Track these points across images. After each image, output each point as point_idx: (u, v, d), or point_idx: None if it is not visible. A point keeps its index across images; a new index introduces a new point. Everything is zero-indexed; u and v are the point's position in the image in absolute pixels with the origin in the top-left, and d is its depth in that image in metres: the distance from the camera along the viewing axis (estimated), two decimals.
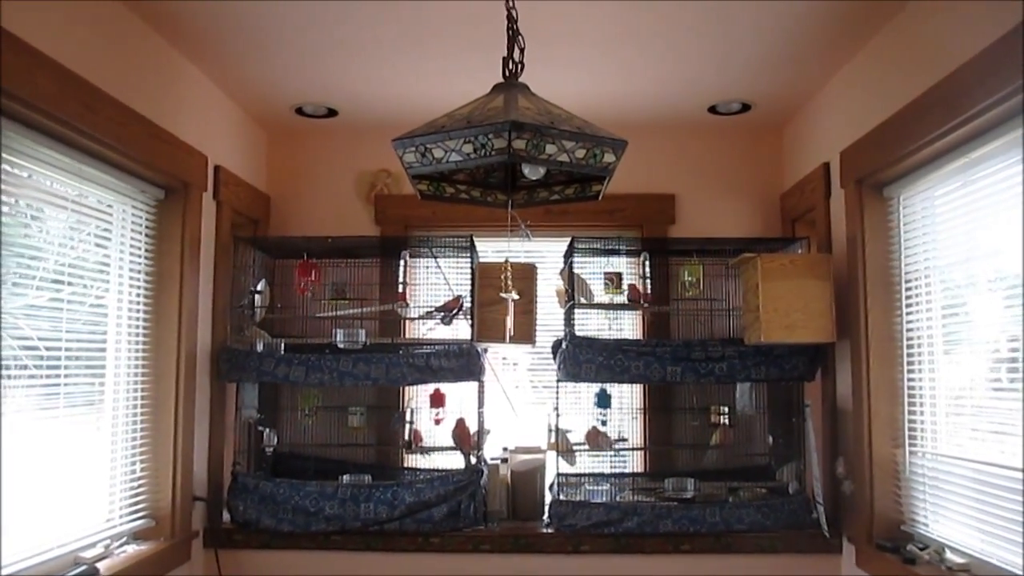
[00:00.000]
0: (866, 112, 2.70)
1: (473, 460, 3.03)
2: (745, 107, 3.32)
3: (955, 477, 2.34)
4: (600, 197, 2.28)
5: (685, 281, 3.32)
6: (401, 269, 3.15)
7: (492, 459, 3.11)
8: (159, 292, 2.75)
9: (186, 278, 2.78)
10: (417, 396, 3.36)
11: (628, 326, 3.61)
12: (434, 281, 3.37)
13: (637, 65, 2.91)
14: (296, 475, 3.16)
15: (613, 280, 3.29)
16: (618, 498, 3.05)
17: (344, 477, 3.06)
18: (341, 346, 3.07)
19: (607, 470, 3.43)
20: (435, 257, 3.29)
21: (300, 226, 3.57)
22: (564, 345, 3.00)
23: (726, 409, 3.30)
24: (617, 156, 1.97)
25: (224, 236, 3.10)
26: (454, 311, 3.16)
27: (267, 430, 3.21)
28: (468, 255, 3.12)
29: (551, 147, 1.87)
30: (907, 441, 2.57)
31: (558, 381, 3.07)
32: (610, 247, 3.32)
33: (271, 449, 3.22)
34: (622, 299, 3.30)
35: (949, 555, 2.36)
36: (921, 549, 2.42)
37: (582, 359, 2.95)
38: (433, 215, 3.58)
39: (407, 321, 3.39)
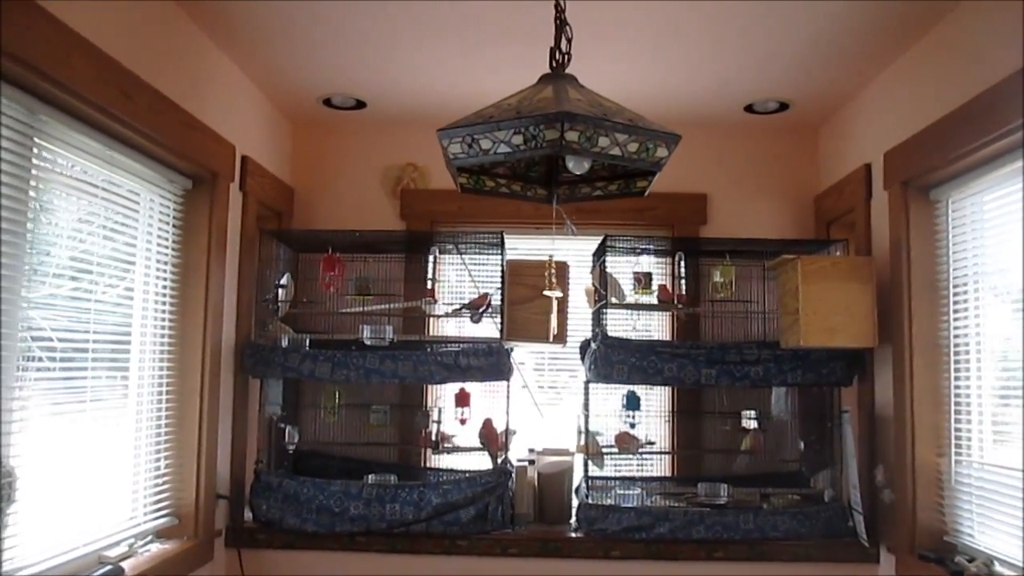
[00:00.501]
0: (912, 113, 2.63)
1: (500, 461, 2.97)
2: (782, 106, 3.25)
3: (1004, 487, 2.26)
4: (646, 193, 2.22)
5: (717, 282, 3.25)
6: (431, 265, 3.08)
7: (518, 461, 3.04)
8: (185, 285, 2.69)
9: (212, 270, 2.72)
10: (442, 396, 3.30)
11: (655, 327, 3.55)
12: (460, 278, 3.31)
13: (677, 61, 2.84)
14: (318, 474, 3.10)
15: (642, 280, 3.22)
16: (648, 503, 2.97)
17: (369, 477, 3.00)
18: (368, 343, 3.00)
19: (633, 474, 3.37)
20: (461, 253, 3.22)
21: (324, 220, 3.51)
22: (595, 346, 2.93)
23: (754, 413, 3.24)
24: (669, 151, 1.91)
25: (249, 228, 3.04)
26: (482, 309, 3.10)
27: (289, 427, 3.14)
28: (497, 252, 3.06)
29: (604, 140, 1.81)
30: (952, 449, 2.49)
31: (588, 382, 3.01)
32: (644, 246, 3.25)
33: (293, 447, 3.16)
34: (651, 299, 3.24)
35: (998, 567, 2.29)
36: (968, 561, 2.35)
37: (614, 360, 2.88)
38: (460, 211, 3.51)
39: (431, 318, 3.32)
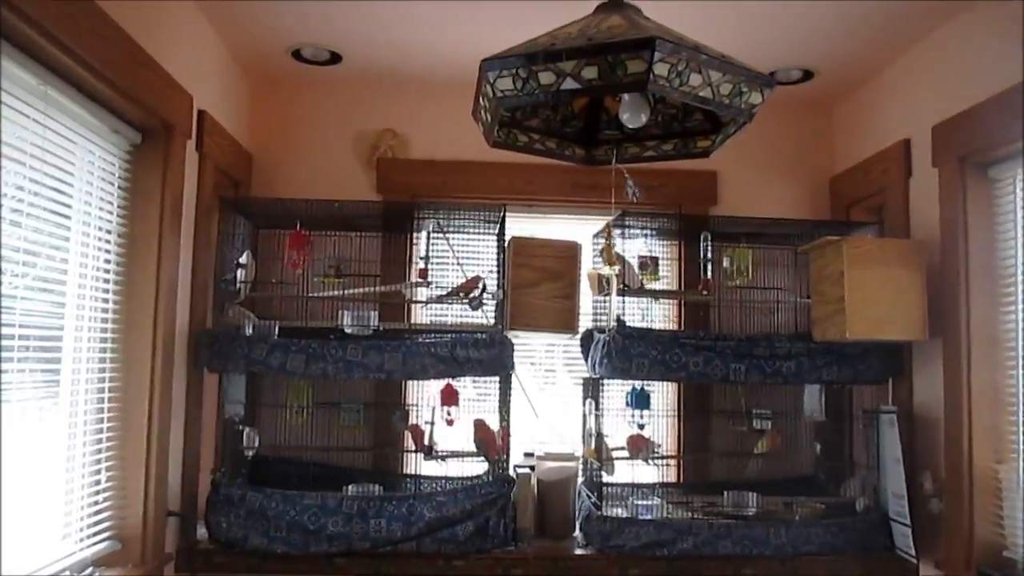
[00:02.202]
0: (968, 82, 2.37)
1: (500, 468, 2.59)
2: (806, 75, 2.95)
3: None
4: (711, 153, 1.88)
5: (732, 268, 2.93)
6: (423, 243, 2.67)
7: (518, 467, 2.67)
8: (132, 261, 2.22)
9: (166, 245, 2.26)
10: (426, 393, 2.90)
11: (659, 317, 3.22)
12: (444, 258, 2.90)
13: (696, 23, 2.50)
14: (280, 483, 2.67)
15: (649, 265, 2.89)
16: (667, 514, 2.64)
17: (349, 487, 2.59)
18: (348, 331, 2.59)
19: (633, 481, 3.03)
20: (444, 231, 2.81)
21: (286, 192, 3.05)
22: (609, 337, 2.57)
23: (768, 412, 2.95)
24: (763, 97, 1.57)
25: (206, 196, 2.58)
26: (473, 294, 2.71)
27: (247, 429, 2.69)
28: (496, 229, 2.67)
29: (695, 78, 1.45)
30: (1022, 455, 2.23)
31: (600, 378, 2.65)
32: (650, 227, 2.92)
33: (251, 452, 2.71)
34: (658, 285, 2.92)
35: None
36: None
37: (633, 353, 2.54)
38: (444, 184, 3.11)
39: (412, 305, 2.92)
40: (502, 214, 2.67)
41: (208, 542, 2.45)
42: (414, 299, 2.87)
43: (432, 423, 2.59)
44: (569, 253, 2.64)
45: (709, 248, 2.69)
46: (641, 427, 2.80)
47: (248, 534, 2.41)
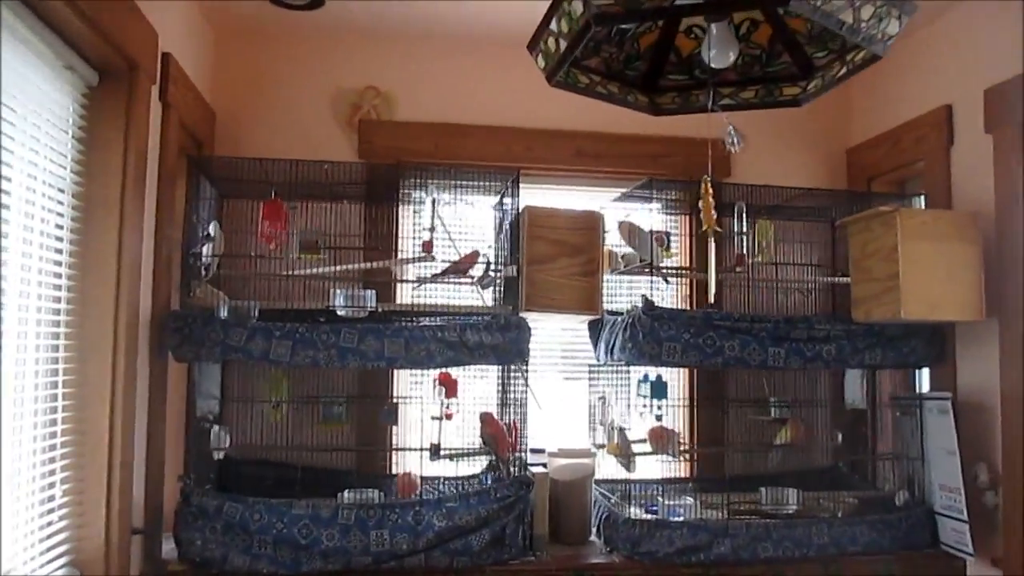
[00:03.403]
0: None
1: (514, 467, 2.30)
2: None
3: None
4: (802, 103, 1.62)
5: (753, 244, 2.69)
6: (428, 211, 2.33)
7: (531, 466, 2.37)
8: (90, 227, 1.84)
9: (129, 210, 1.88)
10: (419, 383, 2.58)
11: (666, 299, 2.95)
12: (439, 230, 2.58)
13: None
14: (252, 489, 2.32)
15: (662, 241, 2.62)
16: (700, 515, 2.38)
17: (345, 494, 2.25)
18: (341, 313, 2.24)
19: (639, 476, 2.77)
20: (433, 199, 2.45)
21: (255, 155, 2.66)
22: (634, 318, 2.30)
23: (780, 400, 2.73)
24: (901, 26, 1.30)
25: (171, 156, 2.20)
26: (473, 271, 2.40)
27: (216, 428, 2.33)
28: (510, 197, 2.36)
29: None
30: None
31: (629, 363, 2.38)
32: (656, 198, 2.65)
33: (221, 454, 2.35)
34: (670, 263, 2.67)
35: None
36: None
37: (663, 336, 2.27)
38: (435, 150, 2.78)
39: (403, 286, 2.59)
40: (514, 179, 2.35)
41: (179, 563, 2.08)
42: (404, 278, 2.54)
43: (440, 418, 2.26)
44: (589, 224, 2.35)
45: (744, 219, 2.43)
46: (659, 418, 2.54)
47: (227, 552, 2.05)
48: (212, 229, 2.35)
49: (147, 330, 2.07)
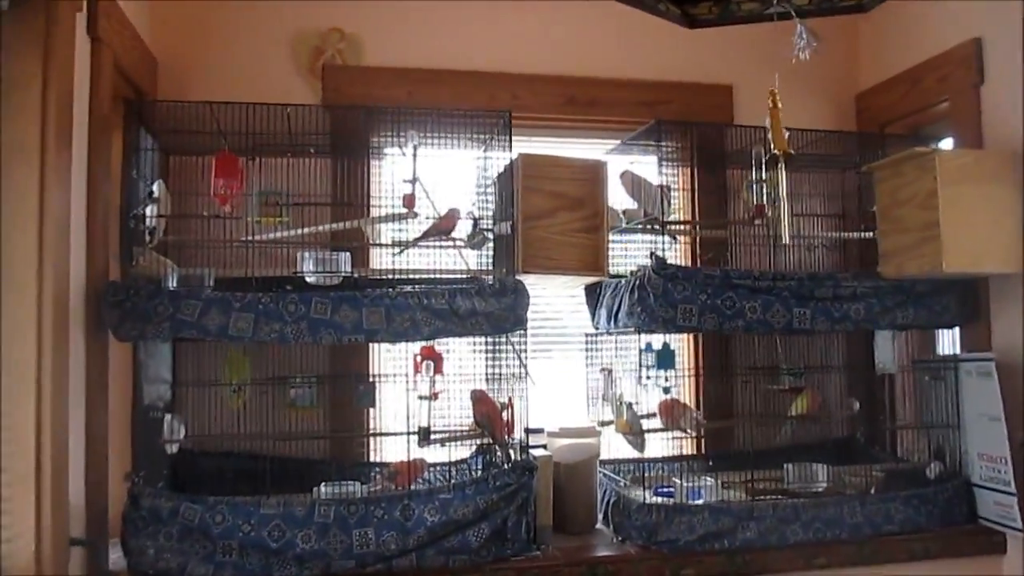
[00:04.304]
0: None
1: (513, 451, 2.04)
2: None
3: None
4: (866, 7, 1.36)
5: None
6: (411, 159, 2.03)
7: (530, 448, 2.11)
8: (3, 179, 1.52)
9: (52, 162, 1.56)
10: (399, 357, 2.29)
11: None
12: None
13: None
14: (213, 486, 2.04)
15: (665, 194, 2.36)
16: (720, 496, 2.13)
17: (322, 488, 1.97)
18: (311, 280, 1.95)
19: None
20: (414, 144, 2.14)
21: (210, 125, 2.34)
22: (645, 279, 2.04)
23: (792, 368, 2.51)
24: None
25: (104, 101, 1.87)
26: (454, 231, 2.12)
27: (169, 418, 2.02)
28: (501, 143, 2.08)
29: None
30: None
31: (639, 330, 2.11)
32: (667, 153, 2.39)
33: (175, 447, 2.04)
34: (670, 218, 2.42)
35: None
36: None
37: (678, 298, 2.02)
38: (410, 98, 2.47)
39: (380, 249, 2.30)
40: (505, 121, 2.06)
41: (128, 574, 1.78)
42: (380, 241, 2.24)
43: (429, 397, 1.98)
44: (591, 175, 2.08)
45: (762, 166, 2.17)
46: (666, 391, 2.30)
47: (186, 561, 1.76)
48: (156, 188, 2.03)
49: (81, 304, 1.76)
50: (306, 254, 1.97)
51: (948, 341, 2.46)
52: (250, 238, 2.05)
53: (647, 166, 2.35)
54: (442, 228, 2.13)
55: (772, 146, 1.30)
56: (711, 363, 2.61)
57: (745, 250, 2.55)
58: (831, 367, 2.60)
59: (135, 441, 1.93)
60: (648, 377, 2.30)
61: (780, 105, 1.37)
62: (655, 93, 2.63)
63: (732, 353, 2.62)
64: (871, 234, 2.45)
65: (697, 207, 2.61)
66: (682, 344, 2.63)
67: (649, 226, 2.17)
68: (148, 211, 2.01)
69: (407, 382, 2.06)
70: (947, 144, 2.44)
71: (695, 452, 2.58)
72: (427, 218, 2.07)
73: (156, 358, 1.95)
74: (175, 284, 1.86)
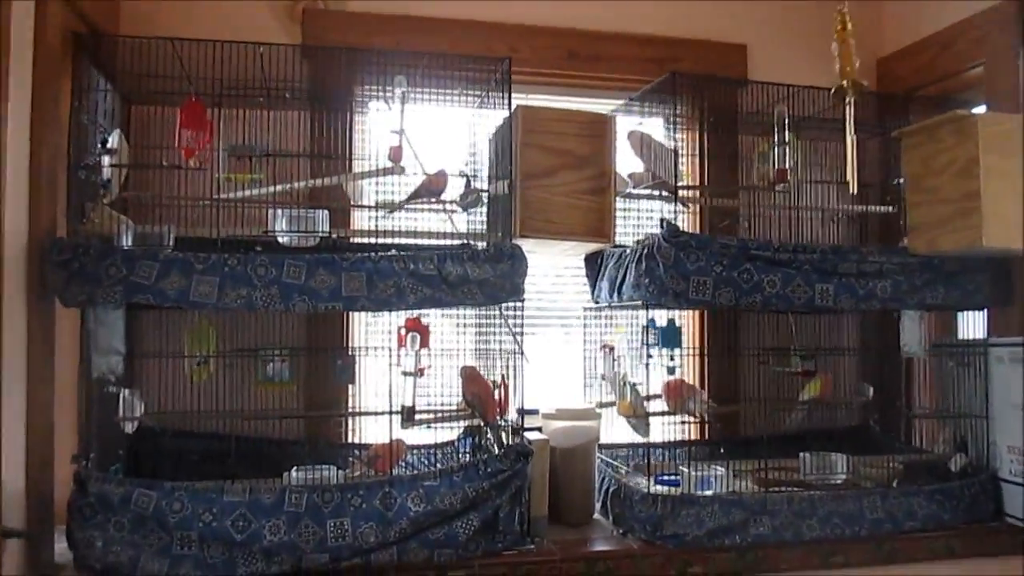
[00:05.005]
0: None
1: (506, 436, 1.85)
2: None
3: None
4: None
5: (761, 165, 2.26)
6: (398, 108, 1.82)
7: (523, 430, 1.92)
8: None
9: None
10: (382, 329, 2.10)
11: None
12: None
13: None
14: (176, 469, 1.86)
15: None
16: (731, 487, 1.96)
17: (293, 473, 1.77)
18: (283, 241, 1.74)
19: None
20: (403, 91, 1.91)
21: (169, 53, 2.11)
22: (654, 247, 1.85)
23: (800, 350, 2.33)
24: None
25: (50, 36, 1.65)
26: (443, 192, 1.92)
27: (126, 392, 1.82)
28: (502, 95, 1.87)
29: None
30: None
31: (647, 304, 1.93)
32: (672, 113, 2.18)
33: (134, 426, 1.84)
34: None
35: None
36: None
37: (691, 269, 1.83)
38: (398, 47, 2.25)
39: (361, 211, 2.10)
40: (505, 69, 1.85)
41: (74, 568, 1.59)
42: (361, 201, 2.03)
43: (414, 373, 1.79)
44: (597, 130, 1.89)
45: (785, 128, 1.98)
46: (671, 371, 2.13)
47: (138, 555, 1.56)
48: (113, 139, 1.81)
49: (21, 264, 1.55)
50: (279, 211, 1.76)
51: (970, 324, 2.31)
52: (218, 197, 1.84)
53: (653, 128, 2.15)
54: (432, 189, 1.93)
55: (840, 77, 1.11)
56: (717, 343, 2.42)
57: (761, 221, 2.38)
58: (842, 349, 2.43)
59: (84, 419, 1.72)
60: (650, 356, 2.12)
61: (850, 26, 1.16)
62: (663, 50, 2.43)
63: (739, 332, 2.44)
64: (892, 208, 2.30)
65: (706, 173, 2.41)
66: (685, 321, 2.45)
67: (658, 192, 1.97)
68: (105, 161, 1.79)
69: (390, 356, 1.87)
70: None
71: (698, 437, 2.41)
72: (414, 174, 1.86)
73: (107, 325, 1.73)
74: (130, 242, 1.65)
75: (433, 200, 1.93)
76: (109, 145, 1.80)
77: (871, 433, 2.43)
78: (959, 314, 2.34)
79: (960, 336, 2.34)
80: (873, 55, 2.61)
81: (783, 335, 2.37)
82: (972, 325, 2.30)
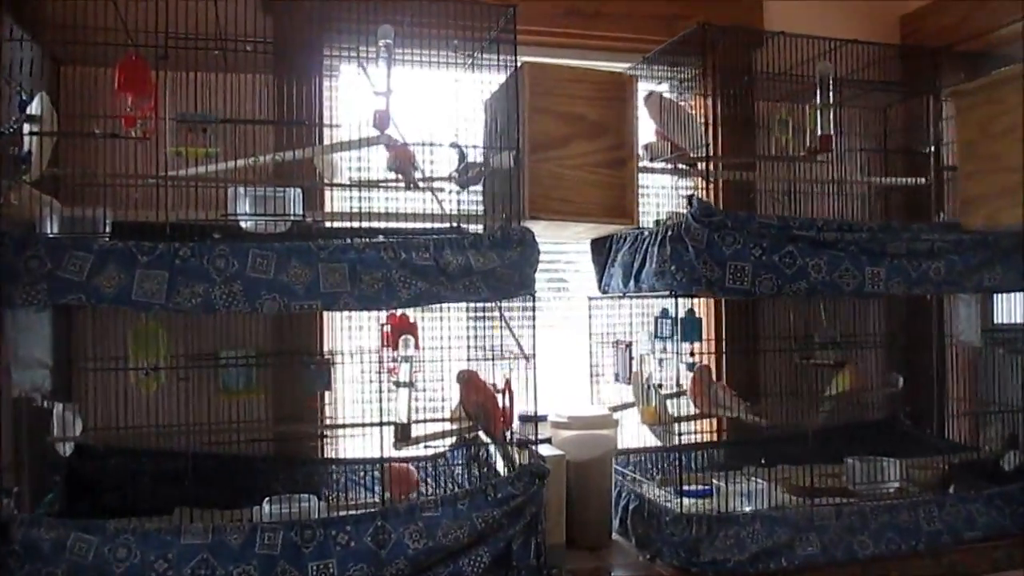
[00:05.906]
0: None
1: (514, 450, 1.59)
2: None
3: None
4: None
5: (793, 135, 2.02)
6: (385, 63, 1.53)
7: (528, 443, 1.65)
8: None
9: None
10: (361, 328, 1.83)
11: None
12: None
13: None
14: (124, 493, 1.57)
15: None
16: (776, 502, 1.71)
17: (265, 506, 1.48)
18: (246, 226, 1.44)
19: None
20: (388, 43, 1.61)
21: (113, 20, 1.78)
22: (684, 227, 1.58)
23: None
24: None
25: None
26: (412, 170, 1.62)
27: (60, 408, 1.51)
28: (505, 50, 1.58)
29: None
30: None
31: (675, 293, 1.67)
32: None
33: (70, 446, 1.54)
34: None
35: None
36: None
37: (727, 253, 1.57)
38: (375, 13, 1.95)
39: (334, 190, 1.81)
40: (508, 17, 1.56)
41: None
42: (336, 180, 1.73)
43: (410, 384, 1.51)
44: (616, 91, 1.62)
45: (829, 89, 1.72)
46: (691, 367, 1.88)
47: None
48: (36, 104, 1.50)
49: None
50: (240, 191, 1.46)
51: (1007, 308, 2.10)
52: (165, 174, 1.53)
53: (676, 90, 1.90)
54: (398, 166, 1.63)
55: None
56: (735, 333, 2.18)
57: (794, 196, 2.15)
58: (869, 337, 2.21)
59: (9, 442, 1.41)
60: (664, 350, 1.88)
61: None
62: (673, 6, 2.17)
63: (758, 321, 2.21)
64: (923, 180, 2.08)
65: (720, 143, 2.16)
66: (706, 311, 2.21)
67: (685, 165, 1.71)
68: (25, 131, 1.47)
69: (370, 360, 1.59)
70: None
71: (715, 438, 2.17)
72: (405, 144, 1.57)
73: (30, 331, 1.41)
74: (56, 230, 1.34)
75: (406, 178, 1.64)
76: (31, 111, 1.48)
77: (902, 427, 2.21)
78: (994, 297, 2.13)
79: (996, 320, 2.13)
80: (895, 11, 2.38)
81: (804, 322, 2.14)
82: (1008, 310, 2.09)
